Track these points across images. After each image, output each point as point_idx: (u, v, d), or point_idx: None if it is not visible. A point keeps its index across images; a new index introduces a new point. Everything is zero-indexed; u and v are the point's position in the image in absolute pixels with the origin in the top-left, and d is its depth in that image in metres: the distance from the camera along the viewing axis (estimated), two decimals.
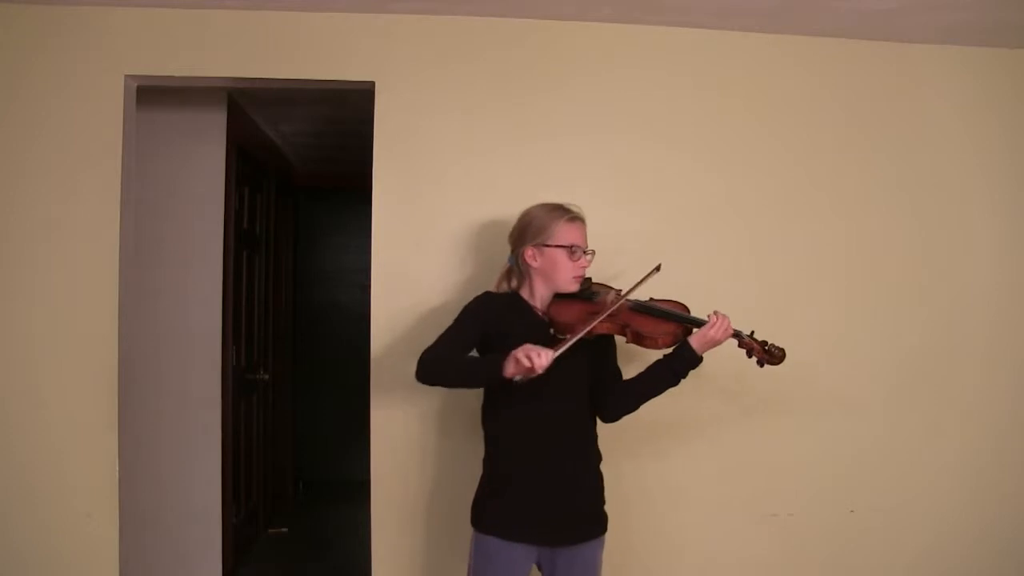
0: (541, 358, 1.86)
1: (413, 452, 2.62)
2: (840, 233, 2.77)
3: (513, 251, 2.21)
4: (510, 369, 1.89)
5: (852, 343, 2.77)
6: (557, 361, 1.92)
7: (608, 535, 2.21)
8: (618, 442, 2.45)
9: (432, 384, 2.12)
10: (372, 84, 2.61)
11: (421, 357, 2.06)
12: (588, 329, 2.03)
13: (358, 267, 3.58)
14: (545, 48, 2.66)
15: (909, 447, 2.78)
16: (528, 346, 1.88)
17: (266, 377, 4.29)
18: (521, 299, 2.19)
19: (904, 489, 2.78)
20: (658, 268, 2.16)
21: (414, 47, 2.62)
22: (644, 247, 2.68)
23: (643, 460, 2.66)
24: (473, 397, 2.36)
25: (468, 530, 2.53)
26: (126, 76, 2.58)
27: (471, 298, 2.23)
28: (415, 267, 2.61)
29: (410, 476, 2.61)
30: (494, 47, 2.65)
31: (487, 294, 2.23)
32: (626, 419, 2.22)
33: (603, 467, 2.22)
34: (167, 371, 3.44)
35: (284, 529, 4.56)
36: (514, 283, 2.23)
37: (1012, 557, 2.80)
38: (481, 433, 2.22)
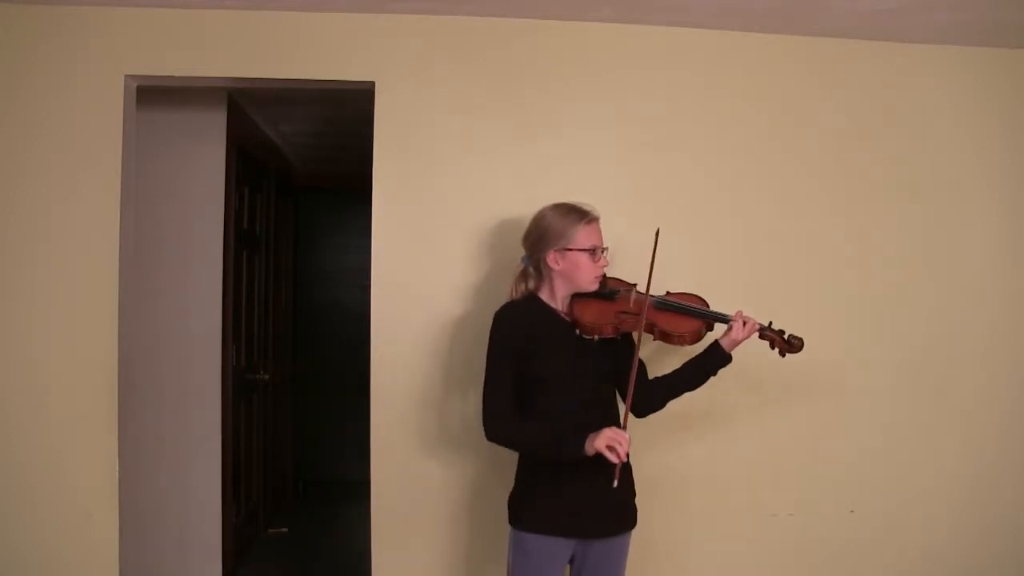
0: (624, 445, 1.97)
1: (413, 452, 2.62)
2: (840, 233, 2.77)
3: (531, 255, 2.23)
4: (606, 453, 1.98)
5: (852, 343, 2.76)
6: (589, 357, 2.15)
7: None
8: None
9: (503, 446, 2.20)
10: (372, 84, 2.61)
11: (488, 423, 2.13)
12: (640, 333, 2.13)
13: (358, 267, 3.58)
14: (545, 48, 2.66)
15: (909, 447, 2.78)
16: (610, 436, 1.98)
17: (266, 377, 4.29)
18: (541, 302, 2.21)
19: (904, 489, 2.78)
20: (658, 233, 2.21)
21: (414, 47, 2.62)
22: (644, 246, 2.68)
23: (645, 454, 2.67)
24: (474, 399, 2.36)
25: (469, 529, 2.54)
26: (126, 76, 2.58)
27: (474, 300, 2.23)
28: (415, 267, 2.61)
29: (410, 476, 2.61)
30: (494, 47, 2.65)
31: (508, 308, 2.21)
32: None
33: None
34: (167, 371, 3.44)
35: (284, 529, 4.55)
36: (531, 284, 2.25)
37: (1012, 557, 2.80)
38: (480, 433, 2.21)
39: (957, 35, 2.71)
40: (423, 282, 2.61)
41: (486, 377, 2.16)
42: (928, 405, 2.79)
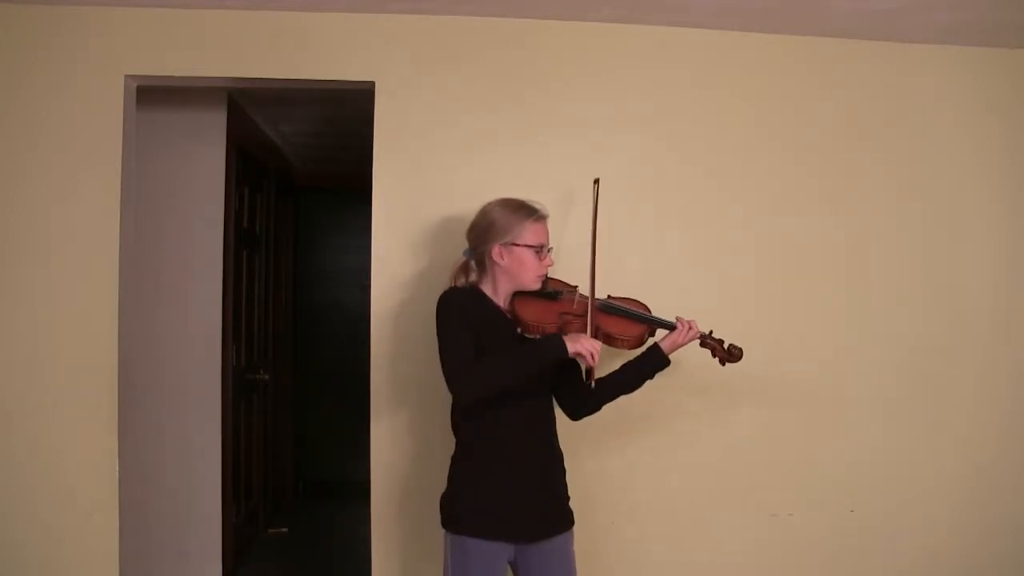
0: (597, 353, 2.01)
1: (413, 452, 2.62)
2: (840, 232, 2.77)
3: (474, 248, 2.19)
4: (585, 357, 2.00)
5: (852, 343, 2.76)
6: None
7: (591, 532, 2.24)
8: (605, 435, 2.45)
9: (484, 396, 2.07)
10: (372, 84, 2.61)
11: (457, 378, 2.02)
12: (591, 326, 2.08)
13: (358, 267, 3.58)
14: (545, 48, 2.66)
15: (909, 447, 2.78)
16: (584, 339, 2.00)
17: (266, 377, 4.29)
18: (484, 294, 2.18)
19: (904, 489, 2.78)
20: (597, 182, 2.20)
21: (414, 47, 2.62)
22: (644, 247, 2.68)
23: (627, 456, 2.66)
24: None
25: None
26: (126, 76, 2.58)
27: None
28: (415, 267, 2.61)
29: (410, 476, 2.61)
30: (494, 47, 2.65)
31: (453, 290, 2.18)
32: (613, 411, 2.25)
33: (582, 463, 2.27)
34: (167, 371, 3.44)
35: (284, 529, 4.56)
36: (472, 277, 2.22)
37: (1012, 557, 2.80)
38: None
39: (957, 35, 2.71)
40: (423, 282, 2.61)
41: (442, 347, 2.06)
42: (928, 405, 2.79)
